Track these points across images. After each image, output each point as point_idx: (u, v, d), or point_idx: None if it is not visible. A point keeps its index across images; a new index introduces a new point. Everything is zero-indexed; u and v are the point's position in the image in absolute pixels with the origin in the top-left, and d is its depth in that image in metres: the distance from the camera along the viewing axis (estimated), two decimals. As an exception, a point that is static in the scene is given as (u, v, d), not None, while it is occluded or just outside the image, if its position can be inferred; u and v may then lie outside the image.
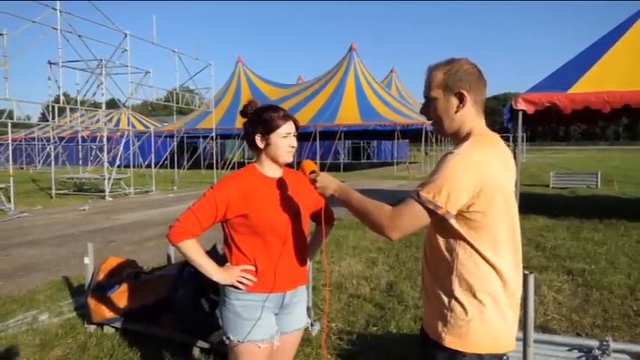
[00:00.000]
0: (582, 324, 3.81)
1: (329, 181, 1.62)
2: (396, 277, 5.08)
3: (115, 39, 14.34)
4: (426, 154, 26.93)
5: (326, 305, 4.07)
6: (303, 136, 23.89)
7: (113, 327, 3.57)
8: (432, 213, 1.37)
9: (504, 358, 1.49)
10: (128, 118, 23.41)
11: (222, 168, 23.90)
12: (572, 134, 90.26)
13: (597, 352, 2.68)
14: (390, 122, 22.85)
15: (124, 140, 17.68)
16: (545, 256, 6.03)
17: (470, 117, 1.50)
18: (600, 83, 7.09)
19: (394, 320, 3.81)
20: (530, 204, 9.57)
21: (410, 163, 29.42)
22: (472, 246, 1.41)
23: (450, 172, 1.35)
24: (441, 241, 1.46)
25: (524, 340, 2.13)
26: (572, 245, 6.58)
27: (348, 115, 23.77)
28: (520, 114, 7.18)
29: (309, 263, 2.11)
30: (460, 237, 1.41)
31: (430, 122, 1.58)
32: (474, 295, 1.41)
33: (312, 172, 1.71)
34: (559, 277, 5.06)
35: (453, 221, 1.40)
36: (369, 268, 5.53)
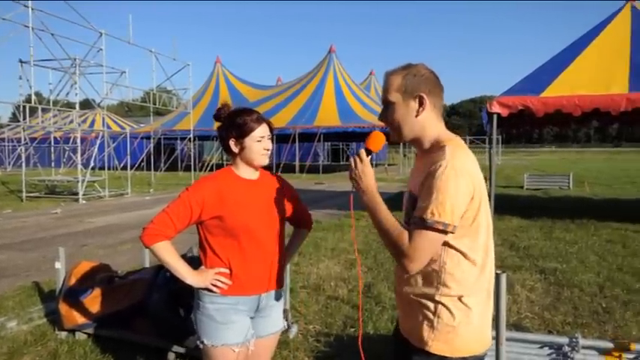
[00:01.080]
0: (554, 322, 3.91)
1: (369, 178, 1.44)
2: (374, 279, 5.11)
3: (89, 38, 14.19)
4: (405, 155, 27.22)
5: (303, 307, 4.06)
6: (282, 137, 23.83)
7: (85, 333, 3.48)
8: (442, 232, 1.32)
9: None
10: (103, 119, 22.82)
11: (200, 170, 23.61)
12: (546, 137, 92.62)
13: (567, 348, 2.75)
14: (369, 124, 23.00)
15: (98, 141, 17.28)
16: (519, 255, 6.17)
17: (430, 122, 1.47)
18: (572, 87, 7.30)
19: (371, 321, 3.84)
20: (505, 205, 9.77)
21: (388, 165, 29.62)
22: (461, 252, 1.39)
23: (444, 185, 1.31)
24: None
25: (497, 339, 2.16)
26: (544, 245, 6.75)
27: (328, 117, 23.84)
28: (495, 117, 7.33)
29: (286, 266, 2.10)
30: (448, 245, 1.38)
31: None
32: (461, 300, 1.40)
33: (369, 151, 1.50)
34: (532, 276, 5.18)
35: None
36: (347, 269, 5.55)
